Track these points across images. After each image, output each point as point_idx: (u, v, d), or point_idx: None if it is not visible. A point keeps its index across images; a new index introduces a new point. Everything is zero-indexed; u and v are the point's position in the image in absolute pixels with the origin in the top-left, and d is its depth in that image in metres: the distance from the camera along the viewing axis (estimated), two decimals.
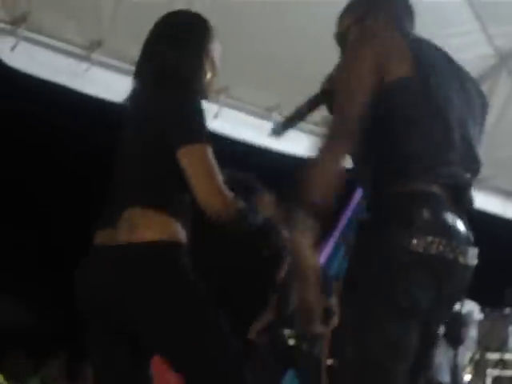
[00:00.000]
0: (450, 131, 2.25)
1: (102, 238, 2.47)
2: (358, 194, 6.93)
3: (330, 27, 2.74)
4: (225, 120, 4.88)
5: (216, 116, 4.81)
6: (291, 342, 5.82)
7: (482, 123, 2.44)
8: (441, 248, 2.12)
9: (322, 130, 2.31)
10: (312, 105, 2.60)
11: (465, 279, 2.26)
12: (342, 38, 2.65)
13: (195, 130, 2.45)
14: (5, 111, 8.56)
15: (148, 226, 2.39)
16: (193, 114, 2.46)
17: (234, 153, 6.06)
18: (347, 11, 2.68)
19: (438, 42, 2.38)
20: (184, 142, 2.42)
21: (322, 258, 7.49)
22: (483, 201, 5.80)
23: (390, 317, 2.11)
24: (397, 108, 2.23)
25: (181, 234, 2.44)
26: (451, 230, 2.16)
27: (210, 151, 2.42)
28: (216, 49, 2.72)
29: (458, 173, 2.25)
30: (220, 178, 2.42)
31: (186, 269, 2.41)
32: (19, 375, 7.77)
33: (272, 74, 4.29)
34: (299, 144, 5.12)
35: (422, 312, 2.15)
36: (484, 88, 5.05)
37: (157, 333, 2.40)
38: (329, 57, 2.74)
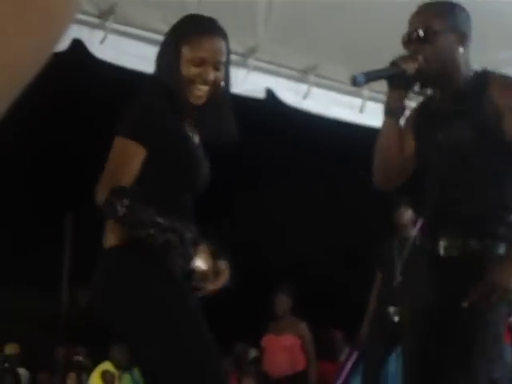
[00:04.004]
0: None
1: None
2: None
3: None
4: (315, 99, 4.83)
5: (306, 96, 4.78)
6: (396, 318, 5.78)
7: None
8: None
9: None
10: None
11: None
12: (428, 35, 2.63)
13: (127, 124, 2.53)
14: (97, 105, 8.71)
15: (108, 234, 2.53)
16: (139, 110, 2.54)
17: (326, 131, 6.03)
18: (438, 11, 2.67)
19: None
20: (116, 133, 2.53)
21: None
22: None
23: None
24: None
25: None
26: None
27: (128, 146, 2.46)
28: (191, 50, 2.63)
29: None
30: (120, 171, 2.44)
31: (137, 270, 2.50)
32: (127, 364, 7.93)
33: (361, 51, 4.24)
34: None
35: None
36: None
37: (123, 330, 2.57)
38: None
